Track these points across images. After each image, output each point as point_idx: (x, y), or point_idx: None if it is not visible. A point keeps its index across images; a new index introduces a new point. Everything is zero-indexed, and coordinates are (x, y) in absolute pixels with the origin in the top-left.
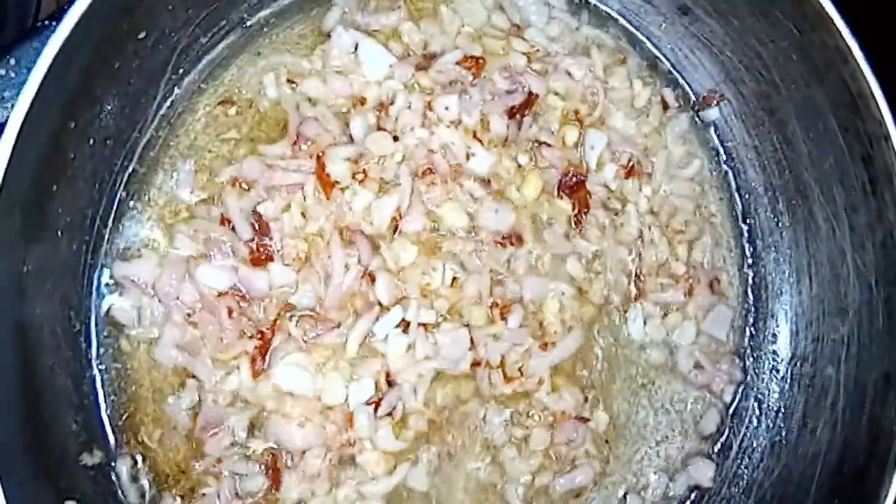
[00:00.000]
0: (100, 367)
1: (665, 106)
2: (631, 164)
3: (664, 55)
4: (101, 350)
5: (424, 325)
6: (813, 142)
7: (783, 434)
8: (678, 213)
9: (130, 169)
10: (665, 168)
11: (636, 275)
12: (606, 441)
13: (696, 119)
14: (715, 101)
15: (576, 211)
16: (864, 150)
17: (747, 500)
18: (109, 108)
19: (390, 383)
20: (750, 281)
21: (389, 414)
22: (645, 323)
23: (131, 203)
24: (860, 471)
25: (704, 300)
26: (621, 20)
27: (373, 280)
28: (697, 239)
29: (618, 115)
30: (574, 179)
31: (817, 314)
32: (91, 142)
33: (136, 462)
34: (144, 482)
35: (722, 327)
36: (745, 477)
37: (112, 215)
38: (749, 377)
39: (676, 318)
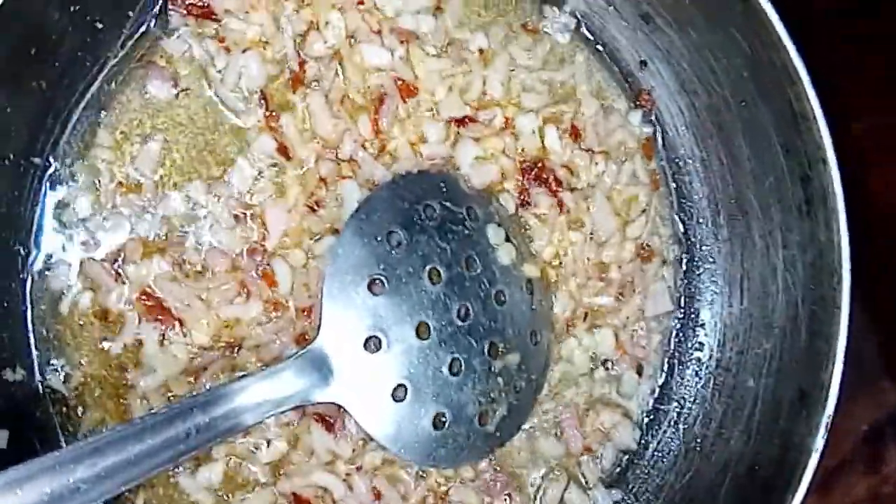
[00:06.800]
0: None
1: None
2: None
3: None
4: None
5: None
6: (756, 159)
7: (698, 441)
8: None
9: None
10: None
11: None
12: None
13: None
14: (647, 104)
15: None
16: (803, 171)
17: (656, 501)
18: None
19: None
20: (683, 289)
21: None
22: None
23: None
24: (768, 482)
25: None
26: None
27: None
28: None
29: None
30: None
31: (745, 327)
32: None
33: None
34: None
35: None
36: (657, 478)
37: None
38: (672, 382)
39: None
